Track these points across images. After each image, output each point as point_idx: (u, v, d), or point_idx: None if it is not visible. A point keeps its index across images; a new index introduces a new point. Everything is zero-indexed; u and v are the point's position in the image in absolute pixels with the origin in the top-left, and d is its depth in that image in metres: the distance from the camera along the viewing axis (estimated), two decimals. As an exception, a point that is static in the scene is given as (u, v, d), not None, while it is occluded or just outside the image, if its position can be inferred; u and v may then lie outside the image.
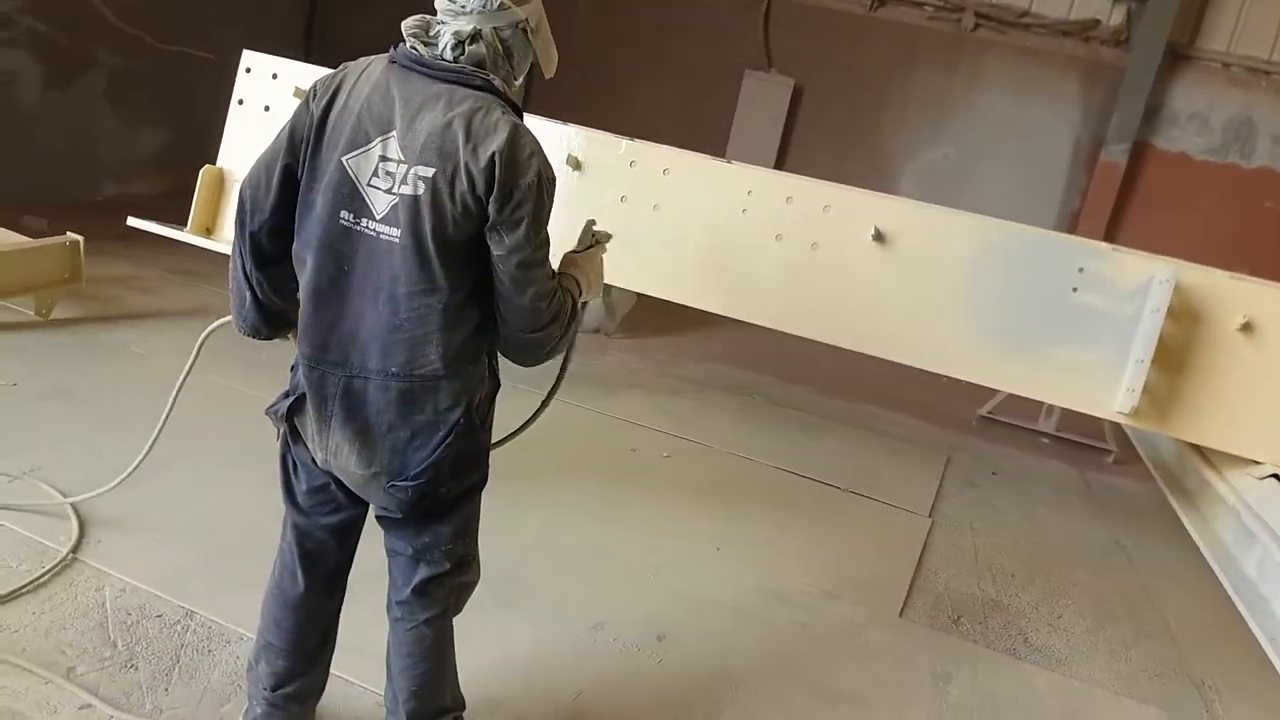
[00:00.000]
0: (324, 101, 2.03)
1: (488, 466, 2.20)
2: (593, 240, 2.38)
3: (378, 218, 1.93)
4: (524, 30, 2.13)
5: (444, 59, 2.01)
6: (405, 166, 1.91)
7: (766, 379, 6.42)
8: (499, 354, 2.14)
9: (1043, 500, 5.01)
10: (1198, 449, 3.01)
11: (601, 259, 2.39)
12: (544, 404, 2.58)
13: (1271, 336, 2.75)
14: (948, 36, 6.93)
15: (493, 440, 2.26)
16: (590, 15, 8.39)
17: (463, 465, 2.08)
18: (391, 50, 2.08)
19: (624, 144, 3.18)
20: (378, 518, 2.15)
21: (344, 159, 1.96)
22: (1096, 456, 5.98)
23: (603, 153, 3.22)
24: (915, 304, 2.99)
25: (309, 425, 2.06)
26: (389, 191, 1.92)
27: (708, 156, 3.14)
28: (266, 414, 2.13)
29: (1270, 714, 3.35)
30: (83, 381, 4.09)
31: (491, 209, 1.88)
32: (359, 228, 1.95)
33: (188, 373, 2.74)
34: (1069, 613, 3.77)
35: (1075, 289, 2.84)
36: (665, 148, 3.18)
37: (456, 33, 2.03)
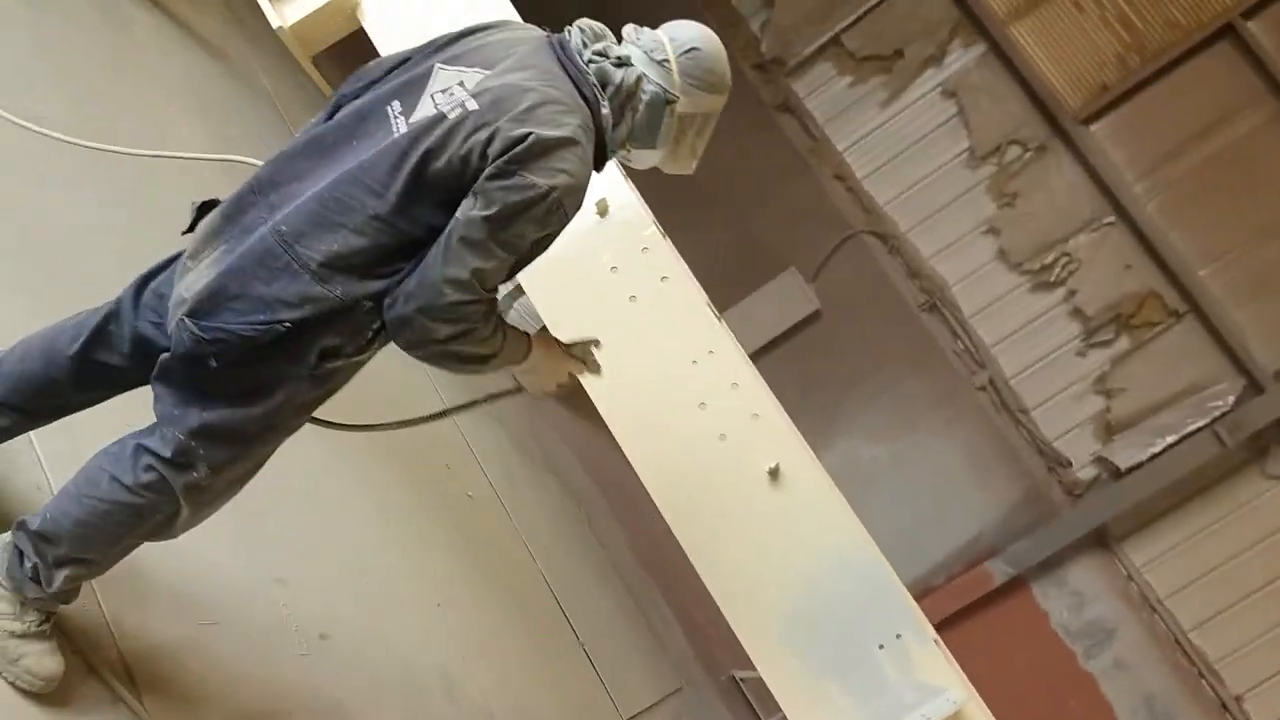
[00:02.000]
0: (475, 27, 2.06)
1: (299, 420, 2.02)
2: (576, 348, 2.29)
3: (411, 121, 1.87)
4: (669, 105, 2.09)
5: (578, 57, 2.01)
6: (466, 95, 1.87)
7: (603, 503, 6.32)
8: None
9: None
10: None
11: (565, 369, 2.30)
12: (429, 418, 2.45)
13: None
14: (954, 376, 7.11)
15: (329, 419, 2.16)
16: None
17: (260, 372, 1.86)
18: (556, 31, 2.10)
19: (650, 227, 3.15)
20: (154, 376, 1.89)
21: (439, 64, 1.94)
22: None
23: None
24: (759, 549, 2.97)
25: (200, 230, 1.92)
26: (436, 108, 1.87)
27: (704, 299, 3.13)
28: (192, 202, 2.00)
29: None
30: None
31: (484, 174, 1.80)
32: (392, 119, 1.88)
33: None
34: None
35: (881, 646, 2.84)
36: (677, 258, 3.15)
37: (609, 48, 2.04)
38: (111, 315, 1.98)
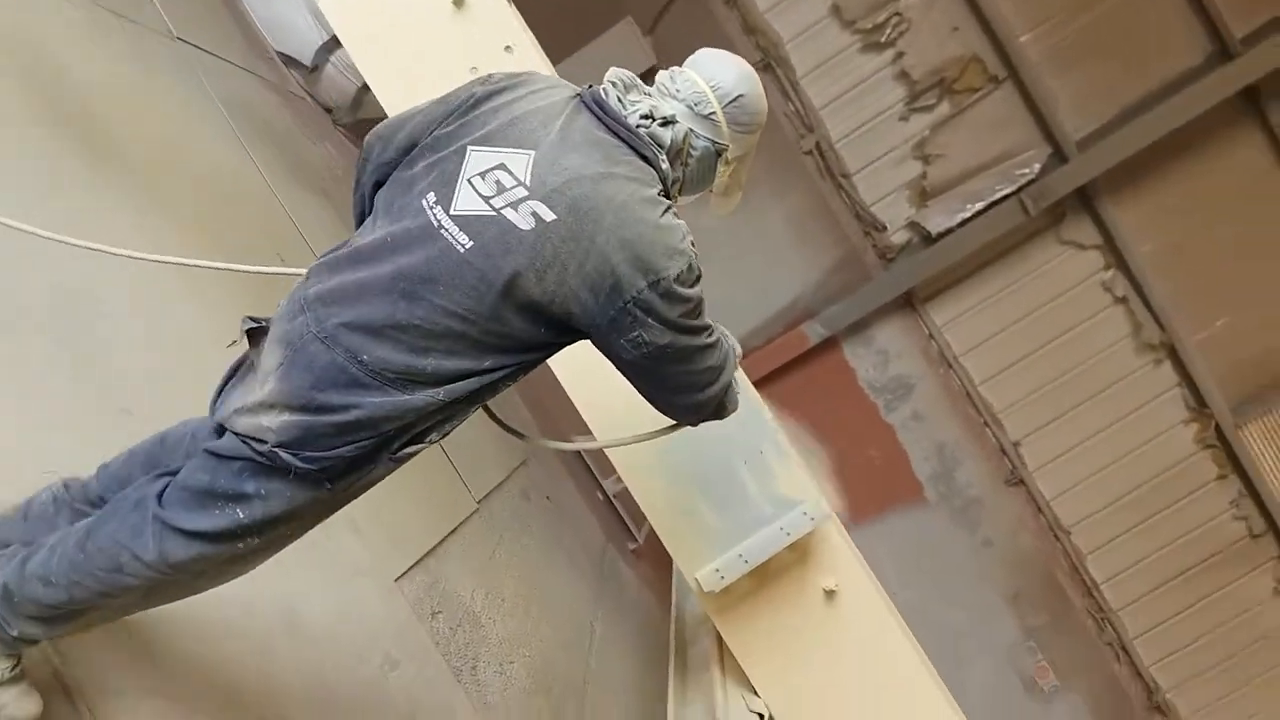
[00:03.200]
0: (493, 89, 1.94)
1: (360, 495, 1.93)
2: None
3: (452, 212, 1.78)
4: (718, 154, 2.03)
5: (625, 118, 1.91)
6: (524, 193, 1.77)
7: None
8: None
9: (566, 550, 5.09)
10: (721, 642, 3.14)
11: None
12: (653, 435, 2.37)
13: (845, 609, 2.94)
14: (784, 139, 7.04)
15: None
16: None
17: (352, 473, 1.82)
18: (586, 87, 1.98)
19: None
20: (208, 448, 1.81)
21: (470, 147, 1.84)
22: (624, 537, 6.24)
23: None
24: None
25: (259, 359, 1.82)
26: (486, 200, 1.78)
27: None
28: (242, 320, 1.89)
29: None
30: None
31: (630, 316, 1.80)
32: (431, 213, 1.79)
33: None
34: (520, 664, 3.78)
35: (745, 462, 2.86)
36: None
37: (655, 108, 1.90)
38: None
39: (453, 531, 3.87)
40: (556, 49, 3.62)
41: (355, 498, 1.94)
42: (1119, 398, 7.06)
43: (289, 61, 5.80)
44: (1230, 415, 6.98)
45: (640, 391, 2.00)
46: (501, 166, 1.80)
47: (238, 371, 1.95)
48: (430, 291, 1.75)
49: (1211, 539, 7.11)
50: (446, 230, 1.77)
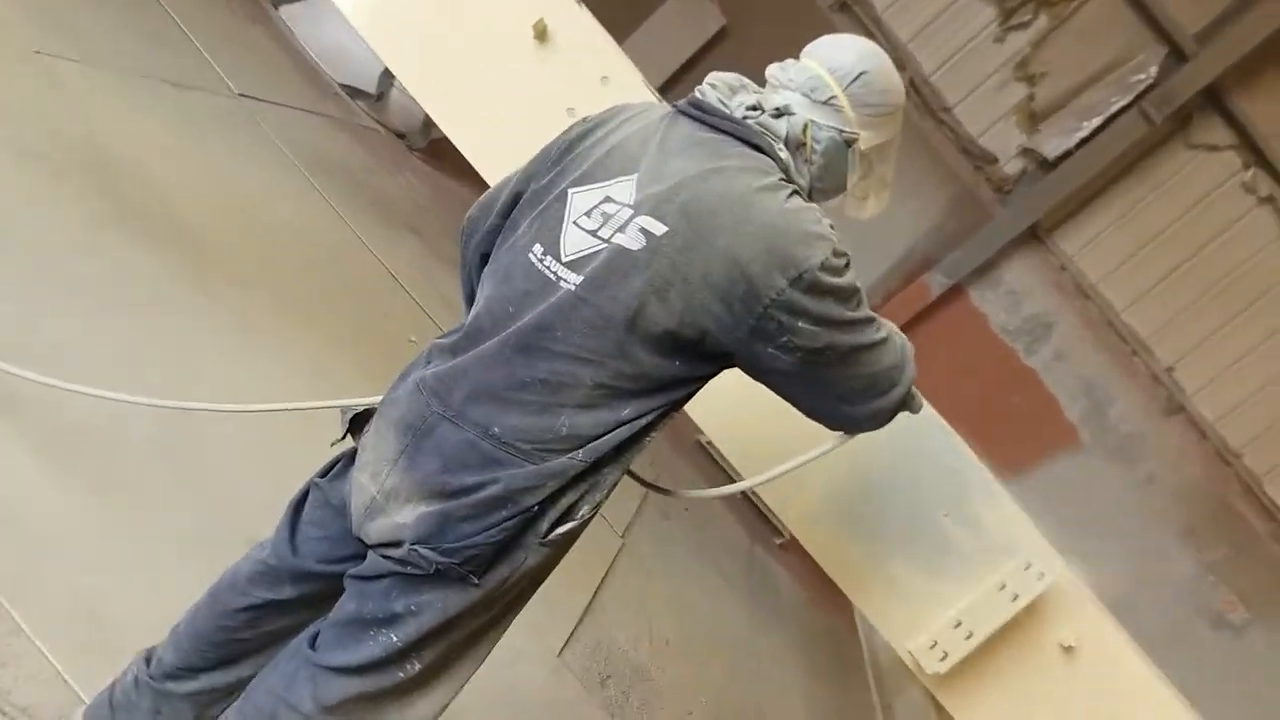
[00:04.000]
0: (585, 129, 1.75)
1: (530, 593, 1.76)
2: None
3: (564, 259, 1.58)
4: (848, 145, 1.76)
5: (729, 113, 1.68)
6: (630, 213, 1.56)
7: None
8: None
9: (714, 561, 4.84)
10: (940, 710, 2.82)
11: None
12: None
13: (1086, 667, 2.60)
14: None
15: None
16: None
17: (500, 563, 1.60)
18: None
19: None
20: (351, 574, 1.66)
21: (570, 189, 1.65)
22: (769, 532, 5.96)
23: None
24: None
25: (366, 447, 1.66)
26: (594, 234, 1.58)
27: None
28: (341, 409, 1.80)
29: None
30: None
31: (776, 318, 1.54)
32: (541, 266, 1.60)
33: None
34: (697, 711, 3.56)
35: (946, 514, 2.55)
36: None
37: (763, 100, 1.71)
38: (269, 570, 1.79)
39: (604, 578, 3.65)
40: (618, 24, 3.34)
41: (519, 599, 1.74)
42: (1275, 304, 6.48)
43: (354, 93, 5.59)
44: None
45: (804, 407, 1.74)
46: (606, 200, 1.59)
47: (334, 469, 1.79)
48: (548, 340, 1.55)
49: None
50: (561, 278, 1.57)
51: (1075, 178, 6.39)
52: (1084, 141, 6.39)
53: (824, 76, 1.74)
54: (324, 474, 1.81)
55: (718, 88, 1.73)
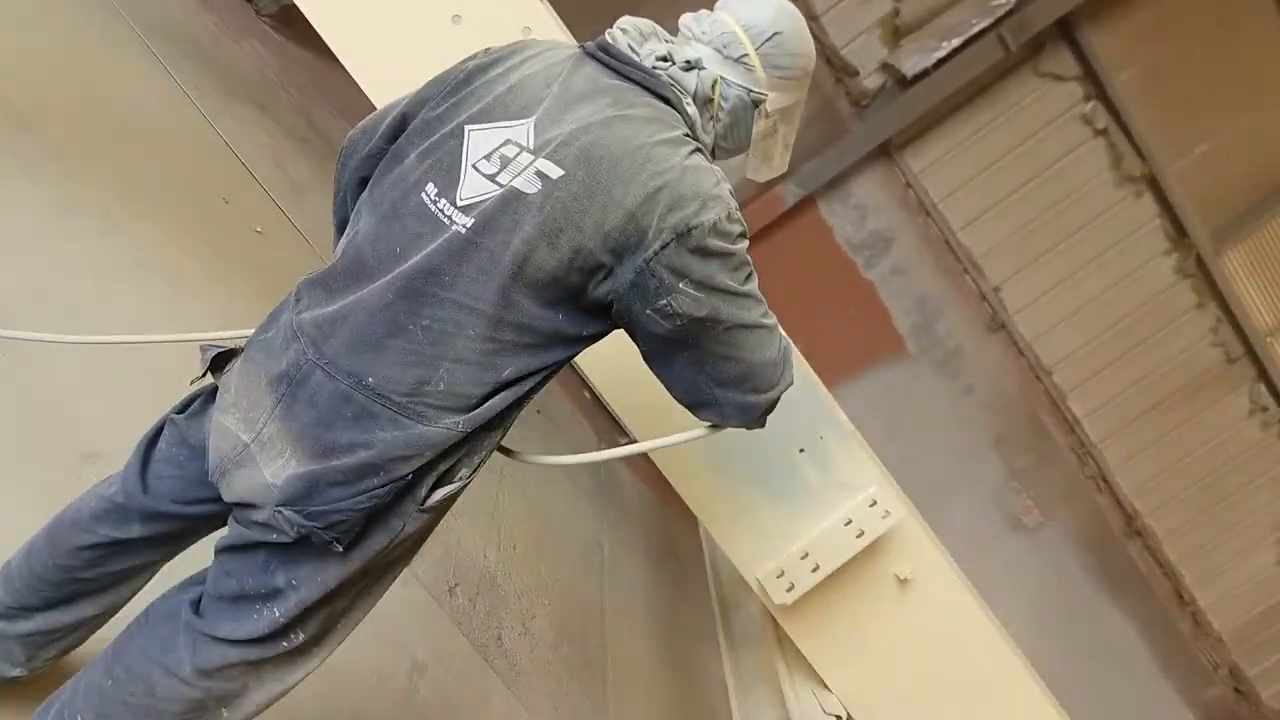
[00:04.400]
0: (487, 61, 1.67)
1: (410, 556, 1.76)
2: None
3: (459, 203, 1.52)
4: (755, 105, 1.75)
5: (639, 61, 1.60)
6: (529, 158, 1.50)
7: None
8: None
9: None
10: (780, 632, 2.99)
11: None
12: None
13: (918, 597, 2.77)
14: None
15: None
16: None
17: (377, 532, 1.57)
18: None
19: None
20: (221, 547, 1.63)
21: (467, 126, 1.58)
22: (617, 433, 6.05)
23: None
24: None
25: (230, 388, 1.58)
26: (491, 179, 1.51)
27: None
28: (200, 346, 1.68)
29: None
30: None
31: (661, 273, 1.53)
32: (434, 208, 1.53)
33: None
34: (542, 616, 3.64)
35: (802, 450, 2.64)
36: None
37: (673, 52, 1.62)
38: (116, 508, 1.70)
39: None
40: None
41: (399, 561, 1.74)
42: (1099, 233, 6.90)
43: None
44: (1209, 243, 6.88)
45: (678, 390, 1.72)
46: (506, 142, 1.53)
47: (191, 405, 1.71)
48: (434, 284, 1.50)
49: (1189, 367, 7.14)
50: (454, 221, 1.51)
51: (930, 97, 6.53)
52: (941, 62, 6.51)
53: (738, 33, 1.71)
54: (181, 410, 1.73)
55: (628, 33, 1.68)
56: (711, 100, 1.69)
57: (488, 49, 1.71)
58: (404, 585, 3.00)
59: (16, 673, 1.76)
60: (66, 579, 1.72)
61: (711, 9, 1.80)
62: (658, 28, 1.74)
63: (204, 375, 1.68)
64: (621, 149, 1.48)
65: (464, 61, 1.70)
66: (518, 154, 1.51)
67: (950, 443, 7.17)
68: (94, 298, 2.57)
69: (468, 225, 1.49)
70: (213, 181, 3.52)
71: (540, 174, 1.48)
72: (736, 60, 1.71)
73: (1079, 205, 6.83)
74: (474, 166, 1.53)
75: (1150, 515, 7.33)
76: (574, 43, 1.76)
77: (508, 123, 1.54)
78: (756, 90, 1.73)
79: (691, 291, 1.52)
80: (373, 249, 1.56)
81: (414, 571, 3.07)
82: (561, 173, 1.47)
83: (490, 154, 1.53)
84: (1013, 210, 6.87)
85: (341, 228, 1.86)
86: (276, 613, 1.55)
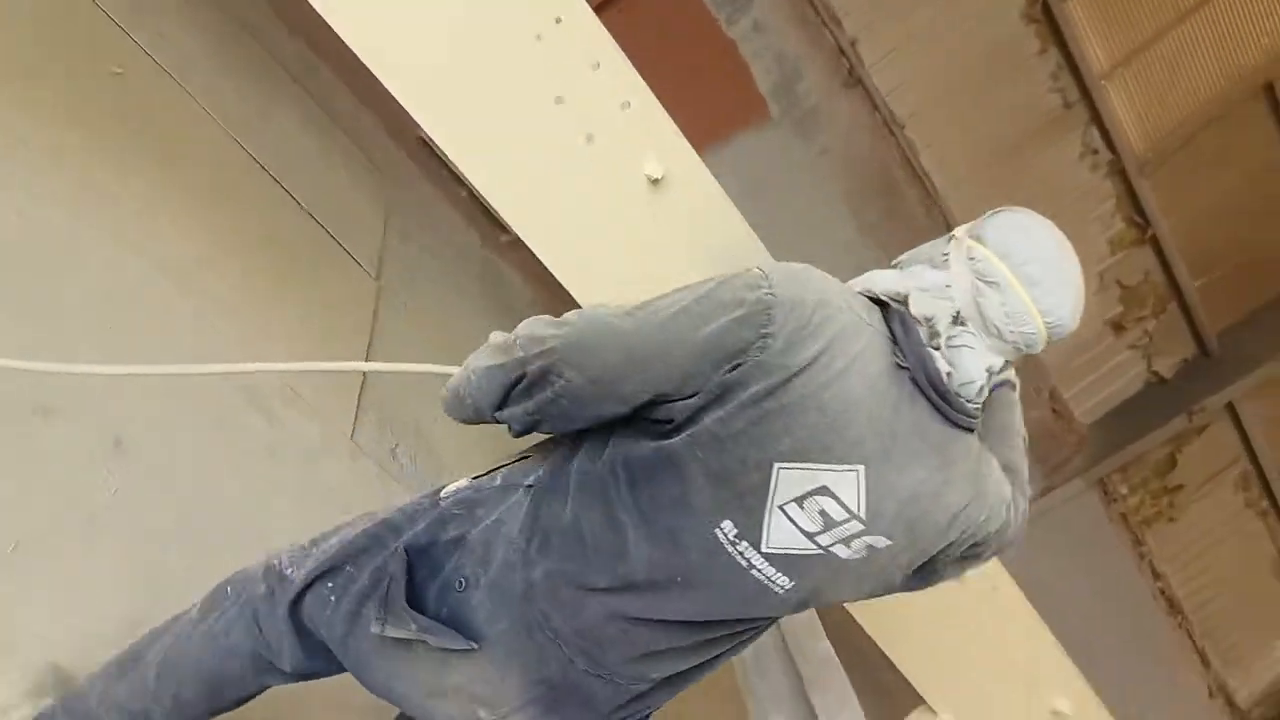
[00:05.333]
0: (805, 351, 1.39)
1: None
2: None
3: (762, 549, 1.42)
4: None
5: (970, 398, 1.53)
6: (860, 527, 1.41)
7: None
8: None
9: (454, 277, 4.54)
10: None
11: None
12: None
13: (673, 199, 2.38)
14: None
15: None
16: None
17: None
18: (890, 323, 1.53)
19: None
20: None
21: (778, 463, 1.37)
22: (497, 232, 5.64)
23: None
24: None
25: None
26: (810, 537, 1.40)
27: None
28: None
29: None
30: None
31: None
32: (733, 550, 1.41)
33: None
34: (458, 439, 3.48)
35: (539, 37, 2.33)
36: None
37: (990, 367, 1.54)
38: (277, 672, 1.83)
39: (371, 333, 3.35)
40: None
41: None
42: (955, -20, 6.75)
43: None
44: (1054, -15, 6.87)
45: None
46: (824, 491, 1.38)
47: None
48: (721, 617, 1.57)
49: (1030, 113, 7.31)
50: (758, 571, 1.43)
51: None
52: None
53: (1040, 331, 1.60)
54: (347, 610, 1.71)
55: (934, 332, 1.52)
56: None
57: (763, 279, 1.47)
58: (354, 459, 2.82)
59: None
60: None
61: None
62: (953, 299, 1.56)
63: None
64: (947, 521, 1.50)
65: (743, 318, 1.42)
66: (846, 520, 1.40)
67: (809, 203, 7.20)
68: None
69: (787, 588, 1.43)
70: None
71: (869, 547, 1.44)
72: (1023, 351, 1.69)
73: (937, -47, 6.62)
74: (782, 510, 1.39)
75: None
76: (865, 312, 1.54)
77: (827, 467, 1.36)
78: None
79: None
80: (644, 569, 1.44)
81: (359, 444, 2.88)
82: (889, 543, 1.45)
83: (803, 500, 1.38)
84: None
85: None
86: None
